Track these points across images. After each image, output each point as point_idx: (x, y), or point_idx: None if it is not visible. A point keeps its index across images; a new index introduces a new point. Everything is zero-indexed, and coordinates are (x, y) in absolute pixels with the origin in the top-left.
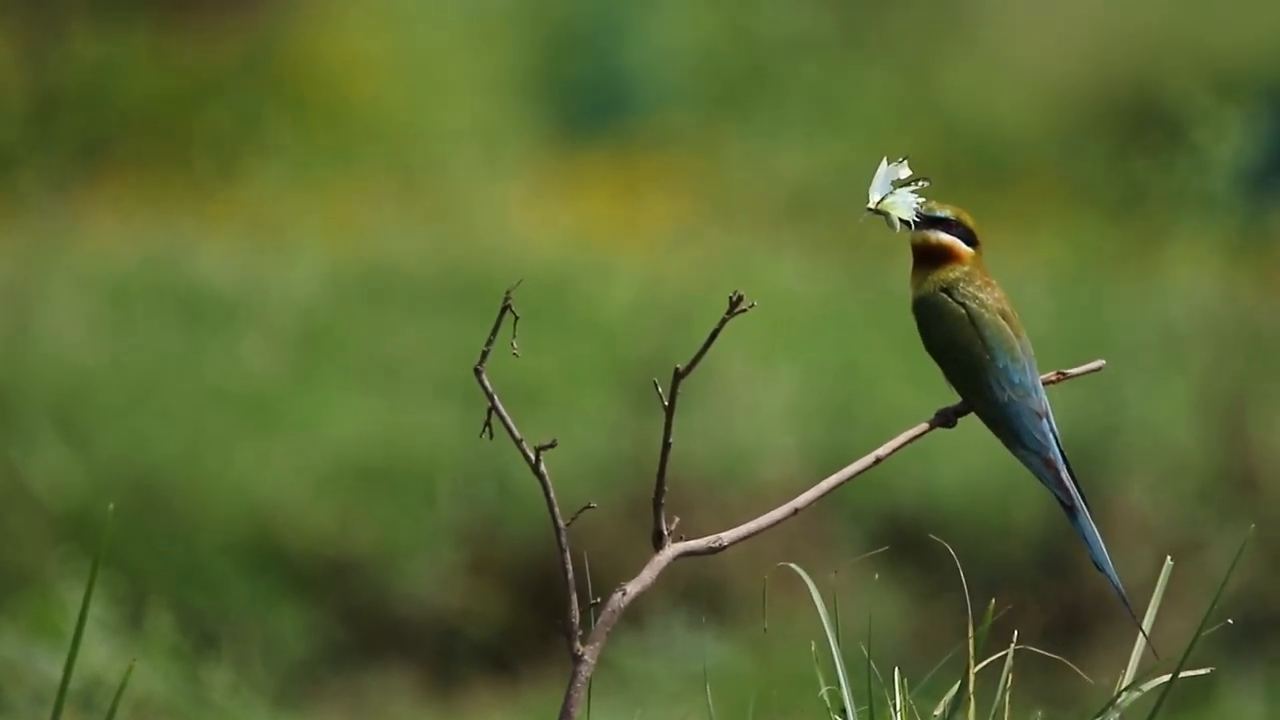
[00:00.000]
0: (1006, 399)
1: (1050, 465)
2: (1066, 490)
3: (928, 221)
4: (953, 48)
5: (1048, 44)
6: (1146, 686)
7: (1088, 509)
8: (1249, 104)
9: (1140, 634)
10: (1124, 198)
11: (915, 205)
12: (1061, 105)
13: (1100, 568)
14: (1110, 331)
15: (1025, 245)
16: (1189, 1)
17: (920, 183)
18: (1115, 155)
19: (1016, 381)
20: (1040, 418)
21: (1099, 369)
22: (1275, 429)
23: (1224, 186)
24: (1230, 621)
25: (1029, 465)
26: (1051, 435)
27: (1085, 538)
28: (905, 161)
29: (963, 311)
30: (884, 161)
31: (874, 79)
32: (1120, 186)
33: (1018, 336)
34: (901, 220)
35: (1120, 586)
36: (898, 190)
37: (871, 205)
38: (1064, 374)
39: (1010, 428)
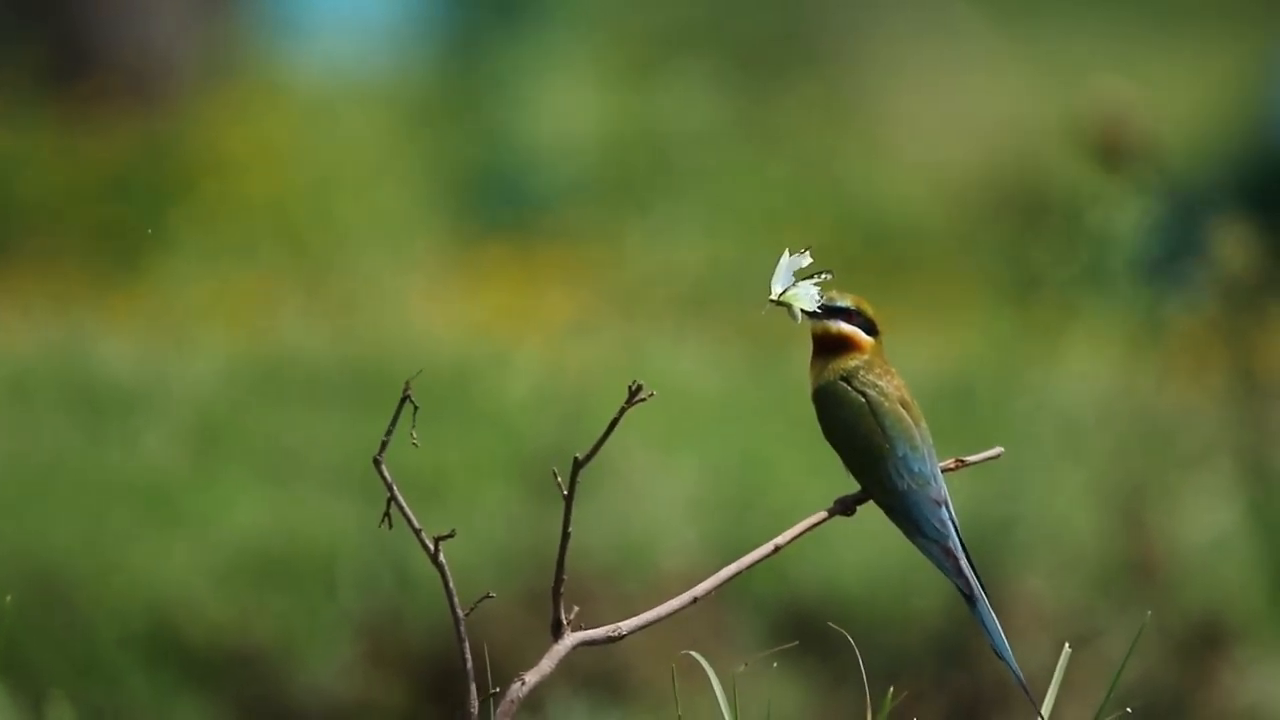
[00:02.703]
0: (906, 487)
1: (949, 554)
2: (966, 579)
3: (828, 311)
4: (849, 139)
5: (942, 133)
6: None
7: (987, 597)
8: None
9: None
10: (1020, 285)
11: (817, 296)
12: (957, 193)
13: (1000, 656)
14: (1009, 420)
15: (924, 334)
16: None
17: (823, 275)
18: (1010, 243)
19: (916, 470)
20: (939, 506)
21: (997, 456)
22: (1174, 518)
23: (1120, 273)
24: (1129, 710)
25: (928, 554)
26: (951, 524)
27: (985, 626)
28: (807, 252)
29: (862, 400)
30: (785, 253)
31: (773, 170)
32: (1016, 274)
33: (917, 425)
34: (804, 311)
35: (1020, 675)
36: (800, 282)
37: (774, 297)
38: (963, 461)
39: (909, 516)
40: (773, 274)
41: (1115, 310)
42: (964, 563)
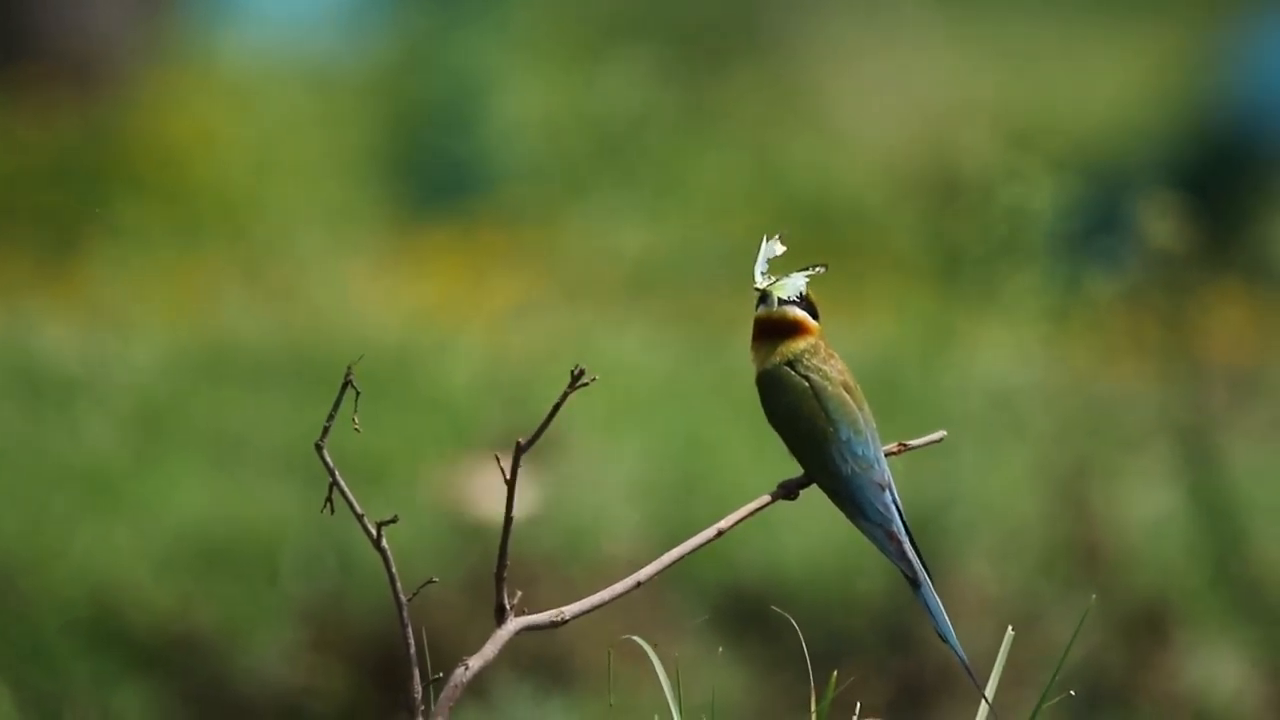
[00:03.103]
0: (849, 471)
1: (893, 538)
2: (910, 563)
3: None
4: (792, 123)
5: (885, 117)
6: None
7: (931, 581)
8: (1073, 170)
9: (984, 703)
10: (950, 266)
11: (801, 289)
12: (897, 178)
13: (945, 639)
14: (949, 402)
15: (863, 316)
16: (1021, 74)
17: (816, 269)
18: (944, 223)
19: (859, 454)
20: (883, 490)
21: (939, 440)
22: (1115, 500)
23: (1038, 250)
24: (1073, 693)
25: (872, 538)
26: (894, 507)
27: (929, 610)
28: (781, 238)
29: (806, 384)
30: (764, 239)
31: (715, 154)
32: (947, 254)
33: (860, 408)
34: (780, 300)
35: (964, 658)
36: (792, 274)
37: (760, 286)
38: (905, 445)
39: (853, 500)
40: (754, 261)
41: (1036, 288)
42: (908, 546)
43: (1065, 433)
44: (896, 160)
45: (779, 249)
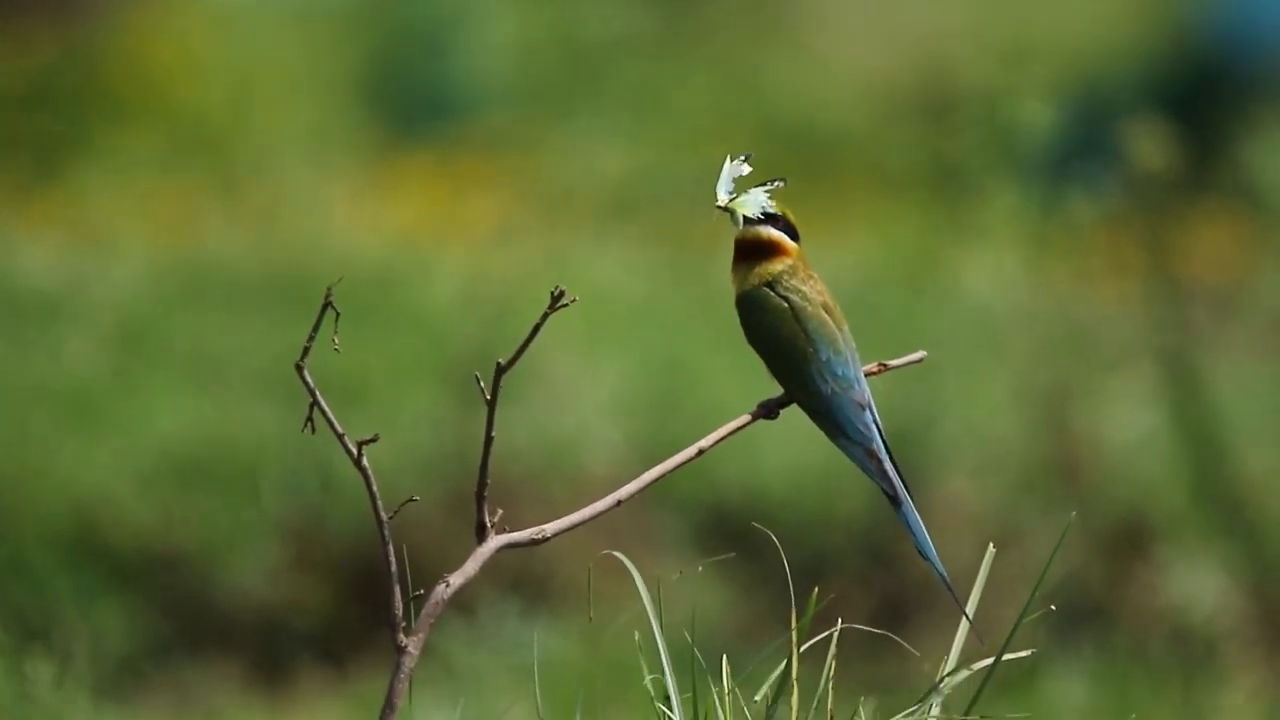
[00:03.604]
0: (829, 391)
1: (873, 456)
2: (890, 481)
3: (756, 218)
4: (772, 44)
5: (866, 39)
6: (969, 670)
7: (911, 499)
8: (1057, 92)
9: (964, 619)
10: (937, 189)
11: (764, 204)
12: (880, 99)
13: (925, 556)
14: (930, 322)
15: (846, 238)
16: None
17: (776, 183)
18: (929, 147)
19: (839, 373)
20: (863, 409)
21: (920, 360)
22: (1095, 417)
23: (1027, 171)
24: (1053, 608)
25: (852, 456)
26: (874, 426)
27: (909, 527)
28: (746, 159)
29: (785, 305)
30: (727, 159)
31: (695, 77)
32: (933, 177)
33: (840, 329)
34: (746, 218)
35: (944, 573)
36: (751, 190)
37: (721, 203)
38: (885, 365)
39: (833, 419)
40: (717, 180)
41: (1020, 209)
42: (888, 465)
43: (1047, 352)
44: (878, 82)
45: (745, 170)
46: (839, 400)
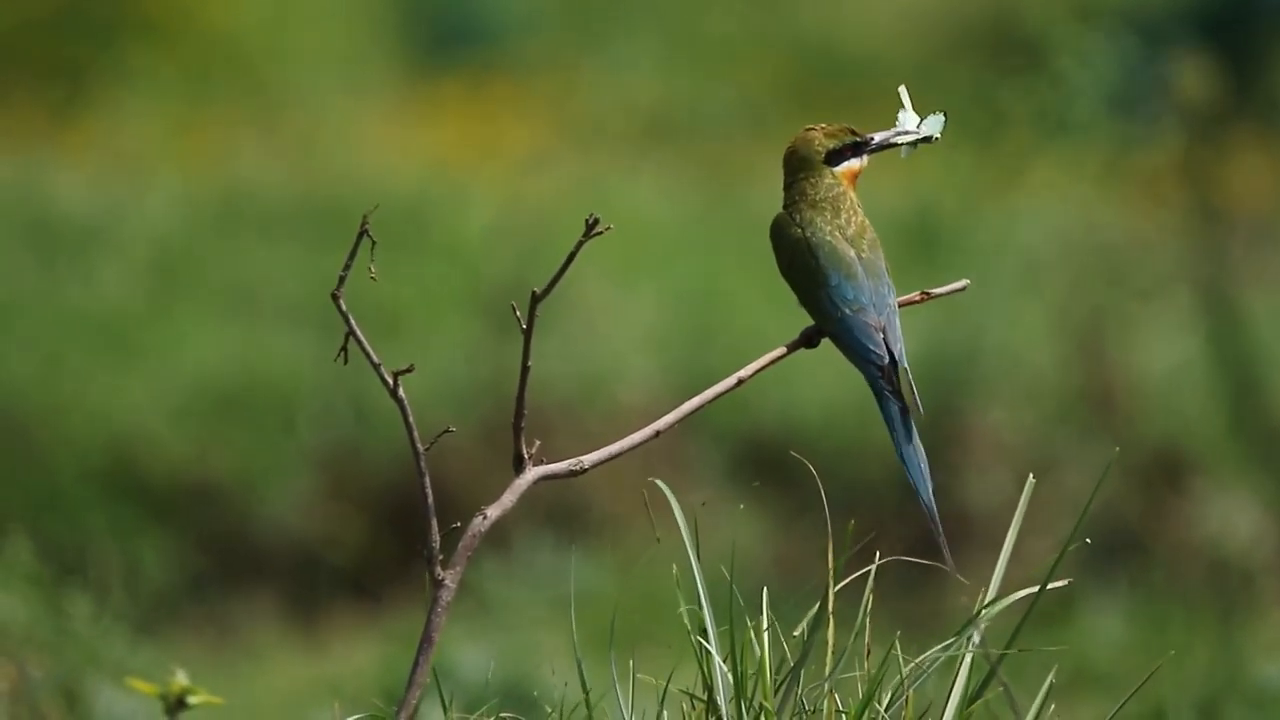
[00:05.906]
0: (840, 314)
1: (885, 374)
2: (899, 395)
3: (852, 148)
4: None
5: None
6: (1007, 602)
7: (917, 430)
8: (1110, 29)
9: (1002, 553)
10: (985, 123)
11: (942, 124)
12: (920, 30)
13: (916, 491)
14: (972, 254)
15: (883, 170)
16: None
17: (941, 114)
18: (975, 80)
19: (850, 297)
20: (877, 330)
21: (963, 289)
22: (1132, 350)
23: (1086, 111)
24: (1089, 540)
25: (866, 375)
26: (886, 347)
27: (903, 460)
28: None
29: (800, 234)
30: (903, 89)
31: (729, 5)
32: (981, 112)
33: (860, 256)
34: (921, 140)
35: (933, 507)
36: (931, 115)
37: (922, 134)
38: (928, 293)
39: (843, 340)
40: (902, 112)
41: (1080, 146)
42: (899, 385)
43: (1084, 283)
44: (916, 12)
45: (905, 98)
46: (849, 322)
